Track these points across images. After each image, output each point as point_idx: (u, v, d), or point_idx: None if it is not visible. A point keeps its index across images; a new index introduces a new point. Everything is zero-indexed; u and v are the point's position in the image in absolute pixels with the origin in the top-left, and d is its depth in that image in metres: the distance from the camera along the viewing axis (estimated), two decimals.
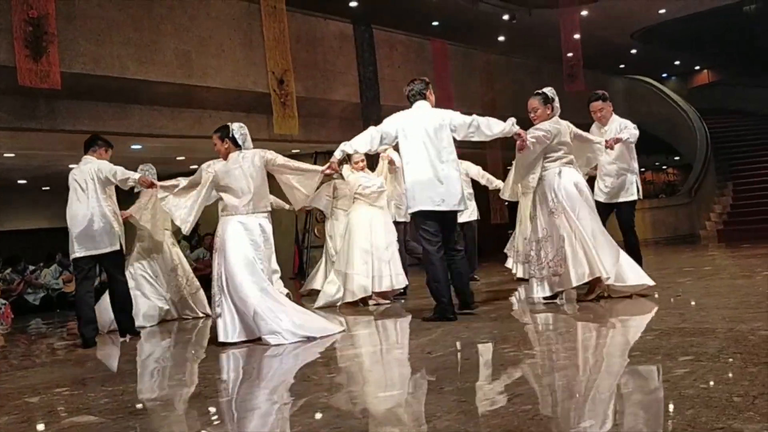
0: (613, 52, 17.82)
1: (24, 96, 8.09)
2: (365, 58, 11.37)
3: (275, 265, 6.03)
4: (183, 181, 5.34)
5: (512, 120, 4.94)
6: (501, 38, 15.41)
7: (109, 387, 3.70)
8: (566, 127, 5.34)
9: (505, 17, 13.80)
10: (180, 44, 9.06)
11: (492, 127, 4.95)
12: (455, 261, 5.10)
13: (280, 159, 5.13)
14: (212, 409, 3.08)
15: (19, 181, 14.12)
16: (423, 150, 4.97)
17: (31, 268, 11.46)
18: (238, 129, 5.08)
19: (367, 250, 6.37)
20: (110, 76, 8.38)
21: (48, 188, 15.90)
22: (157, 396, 3.54)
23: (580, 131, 5.53)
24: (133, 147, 10.84)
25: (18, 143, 9.74)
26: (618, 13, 14.75)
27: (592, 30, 14.99)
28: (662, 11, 15.10)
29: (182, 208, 5.16)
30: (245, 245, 4.84)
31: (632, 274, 5.15)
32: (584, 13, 14.36)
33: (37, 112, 8.38)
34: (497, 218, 14.20)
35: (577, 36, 14.39)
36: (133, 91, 8.86)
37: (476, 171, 8.17)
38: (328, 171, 5.17)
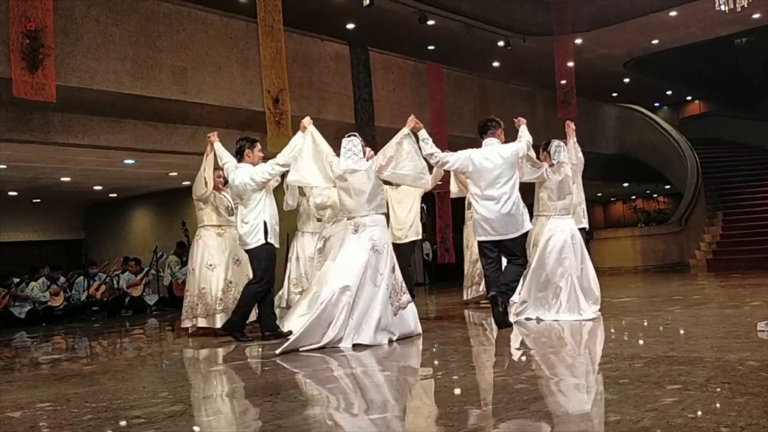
0: (606, 81, 18.01)
1: (18, 108, 8.07)
2: (361, 79, 11.42)
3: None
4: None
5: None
6: (496, 64, 15.57)
7: (93, 403, 3.65)
8: None
9: (500, 43, 13.94)
10: (176, 61, 9.08)
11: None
12: None
13: None
14: (196, 429, 3.05)
15: (10, 193, 14.04)
16: None
17: (17, 280, 11.37)
18: None
19: None
20: (106, 91, 8.38)
21: (39, 201, 15.79)
22: (141, 413, 3.50)
23: None
24: (126, 162, 10.82)
25: (10, 155, 9.71)
26: (612, 42, 14.92)
27: (586, 58, 15.17)
28: (655, 42, 15.30)
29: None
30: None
31: None
32: (578, 41, 14.53)
33: (31, 124, 8.36)
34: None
35: (570, 64, 14.54)
36: (127, 106, 8.86)
37: None
38: None
